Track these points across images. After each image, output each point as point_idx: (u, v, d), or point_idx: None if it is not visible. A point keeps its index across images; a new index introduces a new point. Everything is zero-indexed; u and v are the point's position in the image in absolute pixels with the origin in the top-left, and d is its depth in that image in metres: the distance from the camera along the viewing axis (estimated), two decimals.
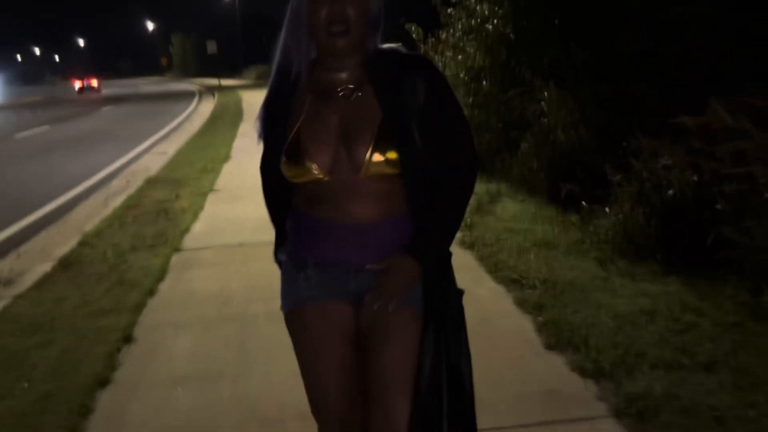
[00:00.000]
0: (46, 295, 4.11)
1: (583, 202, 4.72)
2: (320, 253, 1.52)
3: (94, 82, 46.49)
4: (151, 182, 7.91)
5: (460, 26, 8.08)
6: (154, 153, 11.26)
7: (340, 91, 1.48)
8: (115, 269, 4.51)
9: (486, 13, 7.46)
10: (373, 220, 1.48)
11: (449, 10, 8.18)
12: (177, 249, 4.91)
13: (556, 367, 2.87)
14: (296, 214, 1.56)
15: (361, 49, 1.48)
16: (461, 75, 7.86)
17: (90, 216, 6.47)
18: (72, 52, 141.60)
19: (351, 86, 1.48)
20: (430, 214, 1.51)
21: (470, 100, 7.81)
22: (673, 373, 2.71)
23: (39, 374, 3.03)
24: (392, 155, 1.43)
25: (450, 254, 1.57)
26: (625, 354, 2.88)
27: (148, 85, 58.08)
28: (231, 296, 3.83)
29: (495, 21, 7.32)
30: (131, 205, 6.62)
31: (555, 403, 2.58)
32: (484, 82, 7.49)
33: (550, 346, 3.04)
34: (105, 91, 45.00)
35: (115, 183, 8.52)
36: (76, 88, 45.41)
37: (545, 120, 6.01)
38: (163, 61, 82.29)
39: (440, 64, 8.67)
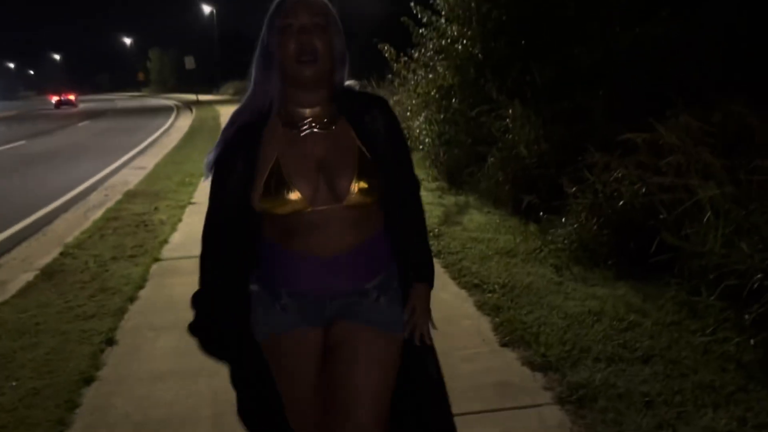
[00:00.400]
0: (30, 302, 4.28)
1: (541, 213, 5.02)
2: (297, 284, 1.56)
3: (72, 97, 46.48)
4: (130, 195, 8.07)
5: (431, 46, 8.39)
6: (133, 167, 11.40)
7: (316, 126, 1.54)
8: (96, 277, 4.70)
9: (455, 33, 7.77)
10: (349, 248, 1.54)
11: (421, 30, 8.47)
12: (156, 259, 5.10)
13: (508, 361, 3.14)
14: (269, 248, 1.58)
15: (328, 82, 1.55)
16: (432, 93, 8.18)
17: (70, 228, 6.62)
18: (47, 67, 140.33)
19: (324, 119, 1.55)
20: (413, 236, 1.69)
21: (441, 116, 8.14)
22: (613, 365, 2.99)
23: (26, 373, 3.21)
24: (374, 183, 1.52)
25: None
26: (571, 349, 3.15)
27: (125, 100, 57.88)
28: None
29: (464, 41, 7.63)
30: (111, 217, 6.78)
31: (506, 392, 2.84)
32: (453, 100, 7.80)
33: (504, 344, 3.31)
34: (82, 106, 44.84)
35: (94, 196, 8.66)
36: (54, 103, 45.35)
37: (509, 136, 6.32)
38: (140, 75, 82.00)
39: (412, 82, 9.01)
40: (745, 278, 3.13)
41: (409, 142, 7.97)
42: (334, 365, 1.56)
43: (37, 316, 4.00)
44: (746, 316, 3.08)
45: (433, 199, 6.86)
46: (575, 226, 4.63)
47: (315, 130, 1.54)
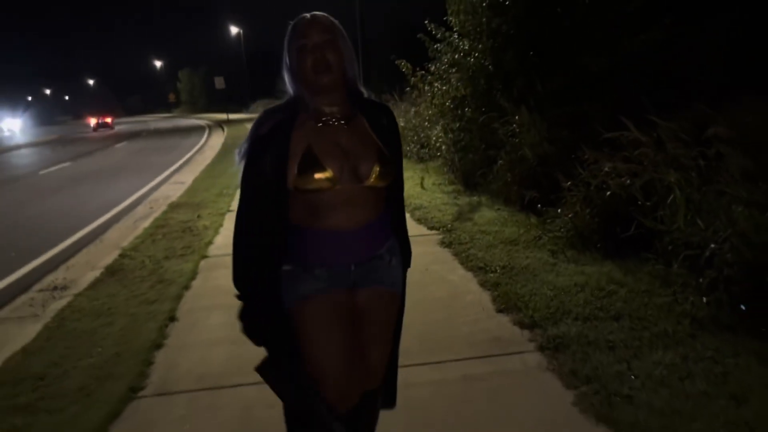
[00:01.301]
0: (100, 293, 5.03)
1: (539, 205, 5.62)
2: (326, 257, 1.83)
3: (108, 120, 48.48)
4: (173, 206, 8.87)
5: (445, 59, 9.03)
6: (172, 183, 12.24)
7: (340, 120, 1.84)
8: (153, 273, 5.43)
9: (467, 47, 8.41)
10: (365, 222, 1.83)
11: (436, 46, 9.12)
12: (204, 256, 5.83)
13: (502, 323, 3.76)
14: (299, 231, 1.84)
15: (342, 86, 1.84)
16: (447, 103, 8.82)
17: (123, 235, 7.40)
18: (81, 92, 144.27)
19: (346, 116, 1.85)
20: (401, 226, 2.07)
21: (457, 125, 8.77)
22: (588, 322, 3.60)
23: (108, 343, 3.93)
24: (388, 170, 1.84)
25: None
26: (555, 312, 3.77)
27: (157, 121, 59.67)
28: None
29: (476, 54, 8.25)
30: (159, 225, 7.56)
31: (497, 344, 3.46)
32: (466, 109, 8.43)
33: (500, 310, 3.94)
34: (117, 128, 46.61)
35: (140, 209, 9.46)
36: (92, 125, 47.42)
37: (516, 140, 6.94)
38: (171, 96, 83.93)
39: (429, 94, 9.66)
40: (702, 249, 3.71)
41: (426, 151, 8.72)
42: (360, 322, 1.94)
43: (108, 303, 4.74)
44: (701, 280, 3.65)
45: (448, 200, 7.50)
46: (570, 216, 5.23)
47: (335, 122, 1.84)
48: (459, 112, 8.67)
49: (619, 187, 4.85)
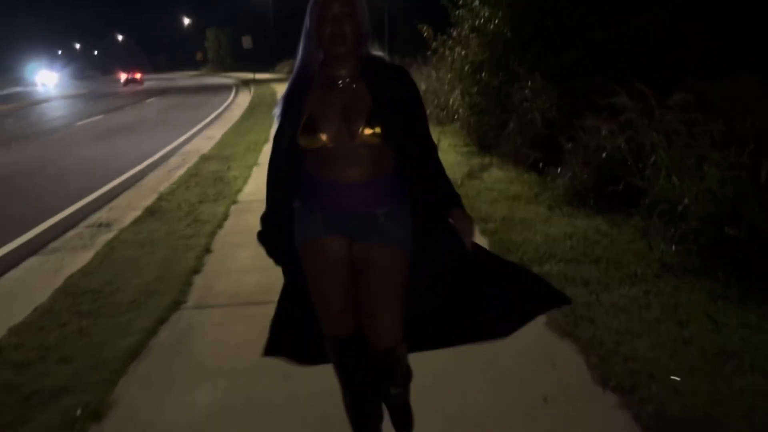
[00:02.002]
0: (142, 229, 5.65)
1: (541, 164, 6.09)
2: (326, 204, 2.02)
3: (138, 75, 49.30)
4: (205, 158, 9.47)
5: (467, 25, 9.39)
6: (203, 137, 12.84)
7: (340, 84, 1.98)
8: (189, 214, 6.04)
9: (488, 14, 8.77)
10: (362, 178, 1.96)
11: (458, 12, 9.48)
12: (234, 201, 6.42)
13: None
14: (307, 177, 2.03)
15: (355, 54, 1.98)
16: (466, 68, 9.21)
17: (159, 182, 8.02)
18: (111, 48, 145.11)
19: (348, 80, 1.98)
20: (437, 176, 2.09)
21: (474, 89, 9.18)
22: (570, 264, 4.11)
23: (152, 268, 4.54)
24: (378, 130, 1.92)
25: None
26: (542, 255, 4.28)
27: (185, 78, 60.26)
28: None
29: (495, 21, 8.61)
30: (192, 174, 8.16)
31: None
32: (483, 74, 8.83)
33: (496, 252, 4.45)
34: (146, 85, 47.35)
35: (173, 160, 10.08)
36: (122, 80, 48.40)
37: (527, 104, 7.36)
38: (199, 55, 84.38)
39: (449, 59, 10.05)
40: (676, 204, 4.17)
41: (445, 114, 9.16)
42: (362, 280, 2.04)
43: (150, 237, 5.36)
44: (673, 231, 4.13)
45: (461, 160, 7.98)
46: (569, 175, 5.69)
47: (341, 84, 1.98)
48: (477, 76, 9.05)
49: (613, 149, 5.30)
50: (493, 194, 6.06)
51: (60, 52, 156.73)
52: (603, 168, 5.39)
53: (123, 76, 49.76)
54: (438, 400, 2.62)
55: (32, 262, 5.14)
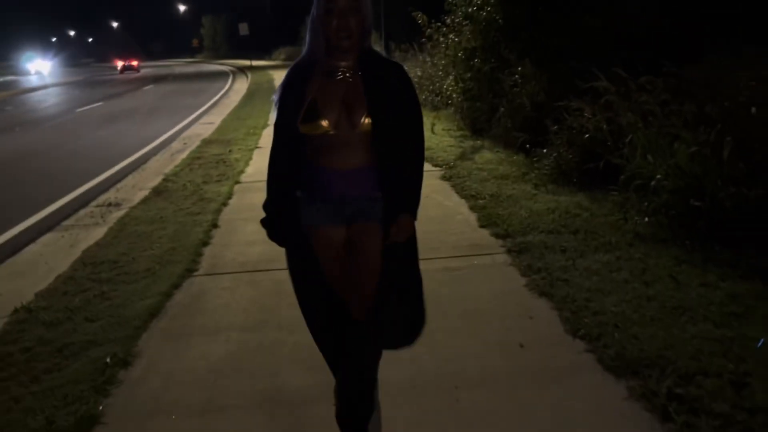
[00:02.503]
0: (150, 207, 5.98)
1: (528, 145, 6.42)
2: (325, 190, 2.09)
3: (134, 63, 49.59)
4: (206, 142, 9.78)
5: (460, 12, 9.67)
6: (202, 123, 13.12)
7: (342, 74, 2.06)
8: (195, 193, 6.37)
9: (480, 1, 9.05)
10: (360, 165, 2.05)
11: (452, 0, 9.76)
12: (237, 182, 6.75)
13: (482, 235, 4.64)
14: (308, 166, 2.09)
15: (358, 47, 2.05)
16: (459, 54, 9.52)
17: (163, 165, 8.33)
18: (105, 35, 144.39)
19: (349, 71, 2.06)
20: (409, 176, 2.14)
21: (468, 75, 9.48)
22: (551, 235, 4.45)
23: (164, 241, 4.88)
24: (372, 119, 2.00)
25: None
26: (525, 227, 4.63)
27: (181, 66, 60.30)
28: None
29: (488, 8, 8.90)
30: (195, 157, 8.48)
31: (475, 248, 4.35)
32: (476, 60, 9.13)
33: (482, 226, 4.81)
34: (142, 72, 47.50)
35: (175, 144, 10.38)
36: (119, 68, 48.56)
37: (517, 89, 7.68)
38: (195, 42, 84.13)
39: (443, 46, 10.35)
40: (649, 180, 4.51)
41: (439, 99, 9.47)
42: (354, 252, 2.16)
43: (159, 213, 5.69)
44: (647, 204, 4.47)
45: (454, 143, 8.31)
46: (554, 155, 6.03)
47: (341, 76, 2.06)
48: (470, 63, 9.36)
49: (596, 130, 5.63)
50: (483, 174, 6.39)
51: (54, 39, 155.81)
52: (586, 148, 5.72)
53: (120, 64, 50.01)
54: (428, 345, 2.96)
55: (48, 237, 5.46)
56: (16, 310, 3.75)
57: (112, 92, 26.19)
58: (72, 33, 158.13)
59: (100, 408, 2.68)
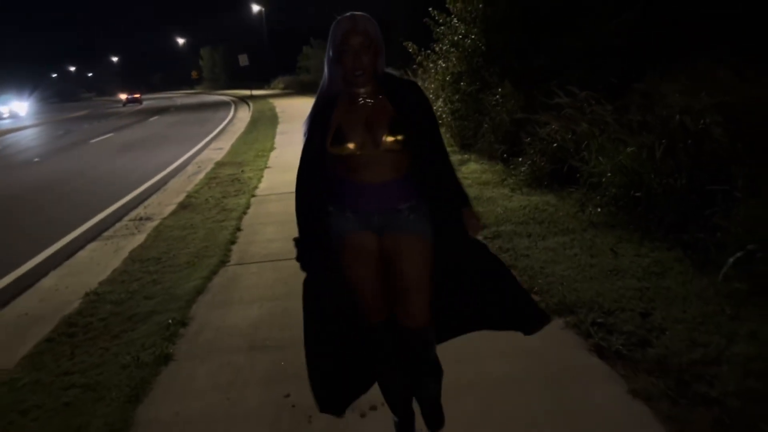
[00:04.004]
0: (179, 218, 6.90)
1: (505, 155, 7.37)
2: (356, 203, 2.24)
3: (138, 95, 51.59)
4: (219, 164, 10.74)
5: (447, 41, 10.68)
6: (212, 149, 14.10)
7: (362, 100, 2.21)
8: (217, 205, 7.29)
9: (464, 31, 10.06)
10: (388, 179, 2.20)
11: (439, 29, 10.77)
12: (253, 195, 7.69)
13: None
14: (339, 181, 2.24)
15: (373, 75, 2.20)
16: (447, 78, 10.52)
17: (183, 186, 9.27)
18: (104, 69, 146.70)
19: (369, 96, 2.22)
20: (450, 177, 2.32)
21: (456, 96, 10.47)
22: (520, 225, 5.36)
23: (196, 241, 5.79)
24: (399, 137, 2.15)
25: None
26: (500, 220, 5.54)
27: (182, 97, 61.72)
28: (290, 212, 6.56)
29: (472, 37, 9.91)
30: (211, 177, 9.42)
31: None
32: (462, 83, 10.12)
33: None
34: (145, 104, 48.89)
35: (190, 168, 11.33)
36: (123, 100, 51.23)
37: (498, 108, 8.64)
38: (194, 74, 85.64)
39: (433, 71, 11.36)
40: (601, 177, 5.43)
41: None
42: (393, 266, 2.26)
43: (188, 222, 6.61)
44: (599, 198, 5.38)
45: None
46: (528, 163, 6.97)
47: (362, 101, 2.21)
48: (457, 86, 10.35)
49: (562, 139, 6.57)
50: (467, 181, 7.32)
51: (55, 75, 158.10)
52: (554, 155, 6.67)
53: (124, 96, 52.01)
54: None
55: (94, 245, 6.37)
56: (86, 294, 4.66)
57: (119, 124, 27.30)
58: (72, 68, 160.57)
59: (171, 351, 3.57)
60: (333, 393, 2.45)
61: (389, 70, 2.31)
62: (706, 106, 4.75)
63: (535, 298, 3.87)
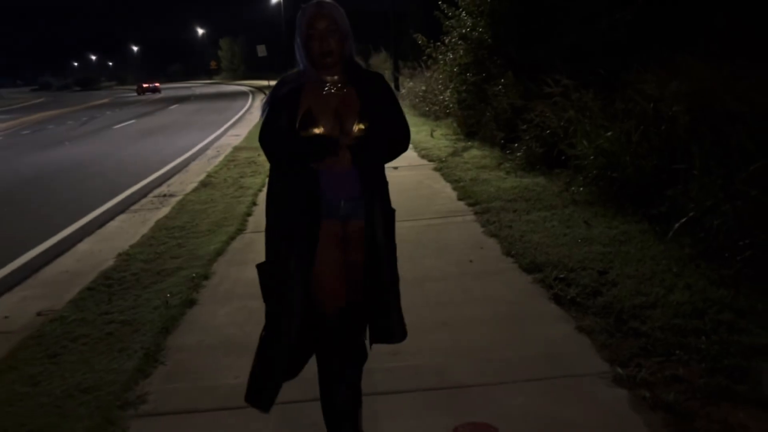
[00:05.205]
0: (201, 193, 7.51)
1: (502, 141, 7.90)
2: (324, 190, 2.23)
3: (157, 84, 52.85)
4: (237, 149, 11.37)
5: (455, 33, 11.19)
6: (230, 135, 14.75)
7: (331, 87, 2.24)
8: (234, 184, 7.90)
9: (471, 24, 10.56)
10: (350, 169, 2.23)
11: (448, 22, 11.28)
12: (268, 176, 8.25)
13: (458, 205, 6.10)
14: (306, 169, 2.22)
15: (340, 62, 2.25)
16: (454, 69, 11.03)
17: (203, 167, 9.89)
18: (125, 58, 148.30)
19: (339, 84, 2.26)
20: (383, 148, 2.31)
21: (463, 87, 10.99)
22: (509, 202, 5.90)
23: (216, 214, 6.39)
24: (368, 126, 2.21)
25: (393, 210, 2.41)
26: (491, 198, 6.09)
27: (201, 87, 62.65)
28: None
29: (479, 29, 10.41)
30: (230, 160, 10.04)
31: (450, 212, 5.81)
32: (468, 74, 10.64)
33: (459, 198, 6.28)
34: (164, 93, 49.86)
35: (209, 152, 11.98)
36: (143, 88, 53.80)
37: (501, 97, 9.15)
38: (213, 64, 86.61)
39: (442, 62, 11.87)
40: (584, 159, 5.95)
41: (439, 109, 11.14)
42: (348, 251, 2.32)
43: (209, 197, 7.22)
44: (583, 178, 5.91)
45: (449, 144, 9.81)
46: (524, 149, 7.49)
47: (333, 90, 2.24)
48: (463, 77, 10.87)
49: (554, 125, 7.08)
50: (467, 166, 7.87)
51: (76, 64, 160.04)
52: (547, 140, 7.19)
53: (144, 85, 53.39)
54: (409, 261, 4.39)
55: (123, 217, 7.00)
56: (119, 254, 5.28)
57: (141, 111, 28.10)
58: (94, 57, 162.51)
59: (195, 297, 4.17)
60: (265, 386, 2.41)
61: (358, 61, 2.36)
62: (675, 94, 5.24)
63: (511, 259, 4.43)
